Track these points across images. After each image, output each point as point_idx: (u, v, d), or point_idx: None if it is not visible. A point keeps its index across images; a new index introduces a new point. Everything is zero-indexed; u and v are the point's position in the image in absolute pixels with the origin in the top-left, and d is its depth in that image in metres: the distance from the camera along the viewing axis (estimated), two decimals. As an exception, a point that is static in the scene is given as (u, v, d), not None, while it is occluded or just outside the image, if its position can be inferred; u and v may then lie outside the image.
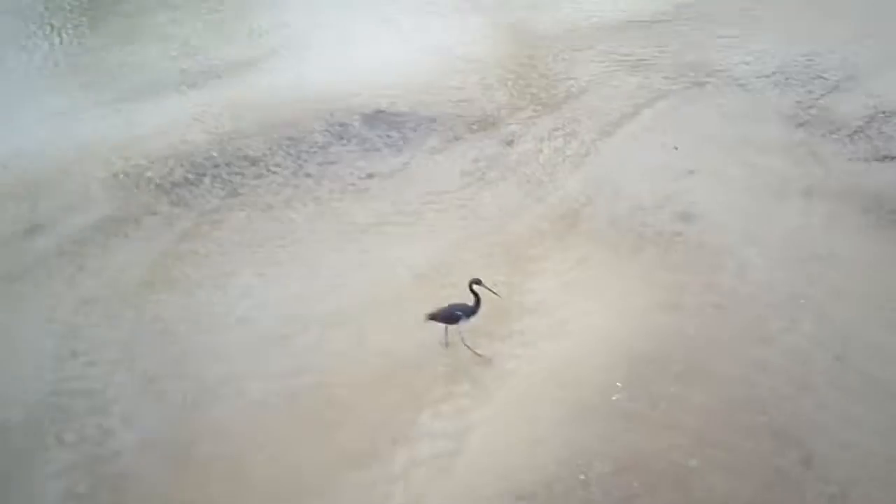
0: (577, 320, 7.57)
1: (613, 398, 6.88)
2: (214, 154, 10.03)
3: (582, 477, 6.29)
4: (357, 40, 12.71)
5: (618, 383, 6.98)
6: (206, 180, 9.63)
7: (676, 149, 9.80)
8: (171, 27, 13.28)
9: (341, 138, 10.28)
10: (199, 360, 7.38)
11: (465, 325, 7.31)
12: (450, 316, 7.33)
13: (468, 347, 7.37)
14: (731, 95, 10.87)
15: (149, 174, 9.74)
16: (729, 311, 7.63)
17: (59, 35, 13.24)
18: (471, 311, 7.30)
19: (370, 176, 9.61)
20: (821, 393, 6.82)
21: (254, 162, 9.90)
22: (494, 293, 7.29)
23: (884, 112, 10.30)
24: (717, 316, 7.58)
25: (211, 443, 6.63)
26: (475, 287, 7.20)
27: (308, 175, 9.72)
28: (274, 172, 9.76)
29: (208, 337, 7.61)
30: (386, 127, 10.45)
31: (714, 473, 6.26)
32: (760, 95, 10.75)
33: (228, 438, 6.67)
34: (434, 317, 7.34)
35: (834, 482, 6.15)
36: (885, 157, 9.47)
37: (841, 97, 10.66)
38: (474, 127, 10.40)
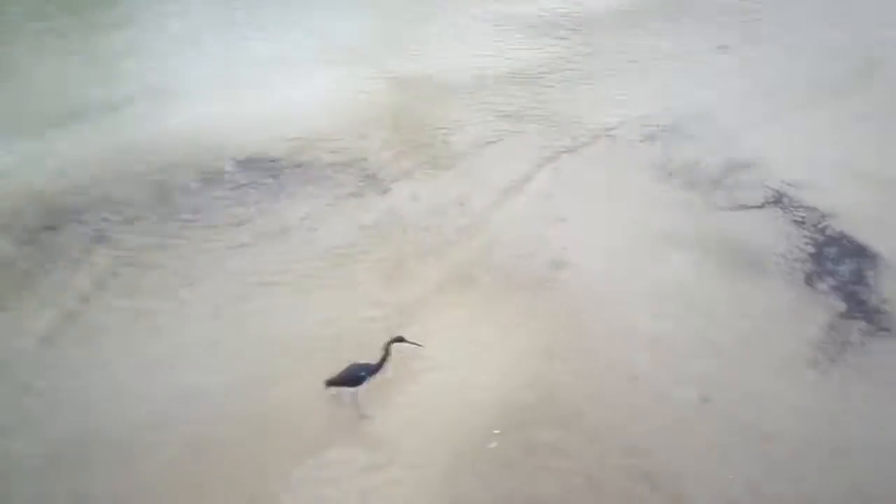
0: (454, 368, 7.57)
1: (491, 446, 6.88)
2: (78, 200, 9.55)
3: (459, 528, 6.25)
4: (238, 85, 12.40)
5: (495, 430, 6.99)
6: (70, 226, 9.15)
7: (550, 197, 10.00)
8: (33, 65, 12.62)
9: (213, 184, 9.98)
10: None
11: (364, 386, 7.07)
12: (351, 380, 7.02)
13: (357, 406, 7.19)
14: (603, 148, 11.20)
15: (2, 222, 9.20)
16: (599, 355, 7.81)
17: None
18: (374, 370, 7.04)
19: (242, 223, 9.35)
20: (690, 435, 7.05)
21: (120, 208, 9.47)
22: (418, 344, 7.11)
23: (739, 162, 10.86)
24: (588, 360, 7.74)
25: None
26: (393, 345, 7.01)
27: (180, 221, 9.37)
28: (143, 219, 9.37)
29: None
30: (261, 172, 10.23)
31: (589, 519, 6.34)
32: (630, 148, 11.13)
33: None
34: (334, 382, 7.04)
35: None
36: (742, 206, 9.98)
37: (702, 149, 11.16)
38: (351, 172, 10.30)
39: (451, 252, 9.08)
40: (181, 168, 10.21)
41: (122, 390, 7.33)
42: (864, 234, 9.48)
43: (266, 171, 10.28)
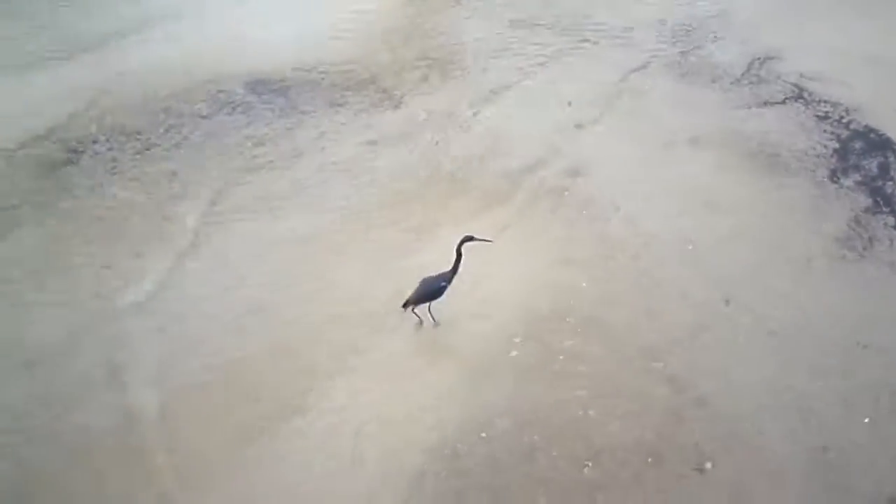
0: (473, 279, 7.48)
1: (512, 354, 6.88)
2: (92, 130, 9.48)
3: (483, 434, 6.28)
4: (236, 6, 12.17)
5: (516, 339, 6.98)
6: (85, 159, 9.10)
7: (570, 104, 9.81)
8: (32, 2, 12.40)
9: (225, 107, 9.88)
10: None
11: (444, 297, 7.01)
12: (432, 293, 6.94)
13: (431, 316, 7.21)
14: (618, 50, 10.94)
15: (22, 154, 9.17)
16: (619, 262, 7.72)
17: None
18: (451, 276, 6.93)
19: (258, 144, 9.27)
20: (712, 336, 6.99)
21: (133, 136, 9.40)
22: (487, 240, 6.93)
23: (759, 58, 10.57)
24: (609, 267, 7.65)
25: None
26: (465, 245, 6.81)
27: (193, 145, 9.30)
28: (157, 145, 9.30)
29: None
30: (271, 94, 10.10)
31: (612, 422, 6.35)
32: (646, 49, 10.83)
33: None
34: (414, 301, 6.95)
35: (728, 419, 6.33)
36: (764, 103, 9.72)
37: (720, 46, 10.91)
38: (361, 90, 10.13)
39: (465, 164, 8.96)
40: (190, 93, 10.07)
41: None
42: (890, 128, 9.21)
43: (277, 92, 10.12)
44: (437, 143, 9.26)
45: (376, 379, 6.74)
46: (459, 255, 6.85)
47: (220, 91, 10.13)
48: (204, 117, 9.70)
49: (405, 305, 7.00)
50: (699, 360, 6.78)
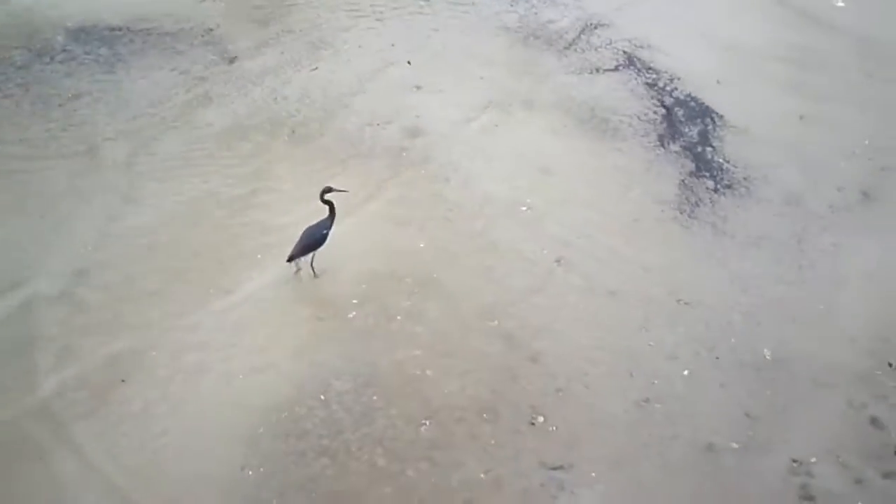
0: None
1: (350, 316, 6.82)
2: None
3: (322, 397, 6.25)
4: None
5: (354, 300, 6.92)
6: None
7: (409, 63, 9.73)
8: None
9: (43, 56, 9.15)
10: None
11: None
12: (315, 241, 6.94)
13: (312, 267, 7.16)
14: (458, 12, 10.92)
15: None
16: (456, 222, 7.79)
17: None
18: (330, 223, 6.99)
19: (77, 96, 8.65)
20: (544, 295, 7.18)
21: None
22: (343, 190, 7.04)
23: (591, 24, 10.88)
24: (446, 228, 7.71)
25: None
26: (326, 196, 6.90)
27: (7, 97, 8.59)
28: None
29: None
30: (96, 43, 9.44)
31: (450, 381, 6.45)
32: (486, 12, 10.88)
33: None
34: (299, 252, 6.92)
35: (560, 375, 6.58)
36: (596, 70, 10.01)
37: (555, 11, 11.09)
38: (194, 42, 9.65)
39: (301, 123, 8.74)
40: (5, 40, 9.27)
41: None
42: (708, 96, 9.74)
43: (101, 41, 9.48)
44: (275, 100, 8.95)
45: (218, 337, 6.61)
46: (328, 203, 6.92)
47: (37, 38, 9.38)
48: (20, 67, 8.96)
49: (290, 259, 6.95)
50: (532, 319, 6.95)
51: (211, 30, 9.96)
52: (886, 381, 6.78)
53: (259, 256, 7.25)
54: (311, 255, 7.04)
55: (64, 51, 9.29)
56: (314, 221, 6.98)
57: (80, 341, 6.45)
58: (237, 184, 7.93)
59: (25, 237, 7.18)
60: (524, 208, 8.00)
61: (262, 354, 6.52)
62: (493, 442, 6.09)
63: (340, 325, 6.76)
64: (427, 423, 6.16)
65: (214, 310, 6.81)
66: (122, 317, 6.67)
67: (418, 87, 9.40)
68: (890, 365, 6.92)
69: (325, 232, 6.97)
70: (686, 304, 7.22)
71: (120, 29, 9.76)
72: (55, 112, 8.47)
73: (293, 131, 8.59)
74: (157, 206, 7.63)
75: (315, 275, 7.17)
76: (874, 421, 6.47)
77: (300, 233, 6.94)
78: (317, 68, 9.47)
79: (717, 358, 6.80)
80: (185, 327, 6.65)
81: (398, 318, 6.84)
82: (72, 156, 8.02)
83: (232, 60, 9.46)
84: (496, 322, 6.88)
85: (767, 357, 6.87)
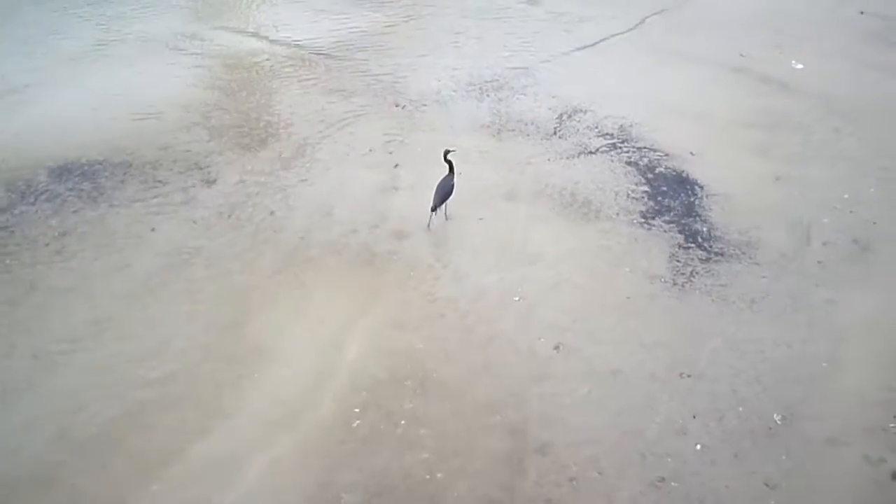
0: (308, 351, 7.34)
1: (354, 425, 6.72)
2: None
3: (332, 513, 6.09)
4: (20, 91, 11.63)
5: (356, 409, 6.84)
6: None
7: (397, 166, 9.91)
8: None
9: (27, 196, 9.25)
10: None
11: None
12: (449, 189, 8.73)
13: (445, 213, 9.02)
14: (433, 111, 11.22)
15: None
16: (451, 320, 7.76)
17: None
18: (452, 178, 8.78)
19: (63, 234, 8.71)
20: (547, 384, 7.12)
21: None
22: (453, 150, 8.87)
23: (567, 112, 11.25)
24: (441, 326, 7.68)
25: None
26: (449, 157, 8.73)
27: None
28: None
29: None
30: (78, 179, 9.57)
31: (460, 481, 6.30)
32: (459, 107, 11.16)
33: None
34: (439, 202, 8.70)
35: (571, 464, 6.43)
36: (576, 154, 10.22)
37: (528, 102, 11.47)
38: (174, 169, 9.79)
39: (287, 235, 8.79)
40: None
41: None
42: (687, 168, 9.98)
43: (83, 176, 9.60)
44: (259, 218, 9.03)
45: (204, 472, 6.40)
46: (449, 162, 8.74)
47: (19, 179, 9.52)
48: (3, 210, 9.04)
49: (433, 209, 8.72)
50: (537, 410, 6.86)
51: (189, 153, 10.12)
52: (900, 432, 6.73)
53: (256, 375, 7.16)
54: (444, 204, 8.80)
55: (47, 190, 9.37)
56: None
57: None
58: (225, 311, 7.89)
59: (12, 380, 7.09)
60: (517, 298, 8.01)
61: (263, 480, 6.31)
62: (508, 540, 5.95)
63: (345, 436, 6.63)
64: (441, 528, 6.02)
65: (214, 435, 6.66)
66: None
67: (395, 189, 9.57)
68: (902, 416, 6.87)
69: (452, 183, 8.72)
70: (689, 376, 7.17)
71: (101, 163, 9.89)
72: (41, 251, 8.48)
73: (279, 250, 8.61)
74: (148, 337, 7.57)
75: (447, 218, 8.98)
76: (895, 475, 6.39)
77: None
78: (298, 184, 9.59)
79: (728, 429, 6.70)
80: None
81: (402, 422, 6.73)
82: (61, 293, 7.99)
83: (212, 182, 9.56)
84: (500, 416, 6.78)
85: (777, 421, 6.80)
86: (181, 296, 7.98)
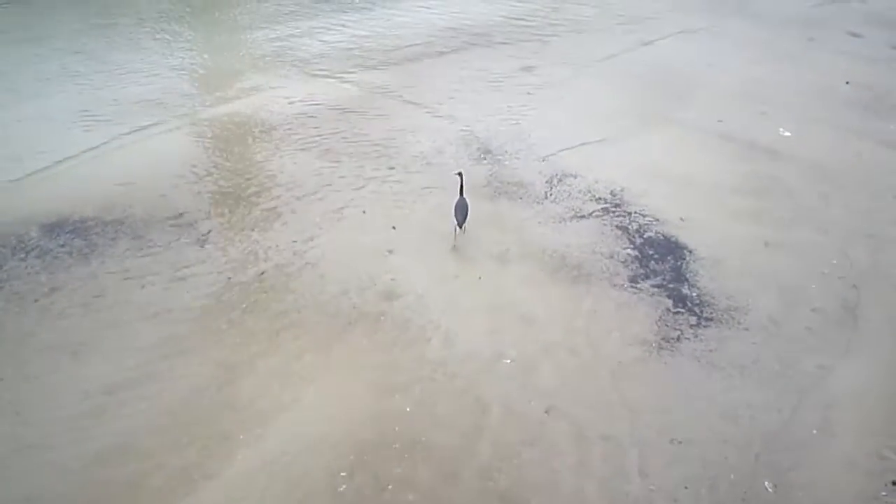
0: (294, 414, 7.25)
1: (340, 490, 6.62)
2: None
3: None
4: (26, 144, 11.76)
5: (342, 473, 6.74)
6: None
7: (394, 228, 9.97)
8: None
9: (17, 253, 9.24)
10: None
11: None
12: (466, 205, 9.49)
13: (463, 230, 9.71)
14: (426, 176, 11.33)
15: None
16: (441, 382, 7.70)
17: None
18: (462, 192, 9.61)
19: (53, 290, 8.68)
20: (538, 448, 7.04)
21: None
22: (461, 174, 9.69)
23: (557, 175, 11.42)
24: (431, 389, 7.61)
25: None
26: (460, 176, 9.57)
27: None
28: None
29: None
30: (69, 235, 9.57)
31: (449, 549, 6.20)
32: (448, 172, 11.29)
33: None
34: (463, 219, 9.42)
35: (562, 531, 6.35)
36: (567, 218, 10.31)
37: (520, 165, 11.65)
38: (165, 227, 9.81)
39: (276, 299, 8.75)
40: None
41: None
42: (676, 233, 10.07)
43: (74, 232, 9.61)
44: (249, 278, 9.02)
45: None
46: (460, 176, 9.58)
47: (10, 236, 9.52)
48: (-7, 265, 9.04)
49: (460, 226, 9.49)
50: (528, 475, 6.78)
51: (179, 212, 10.15)
52: (892, 500, 6.66)
53: (242, 437, 7.08)
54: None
55: (38, 246, 9.36)
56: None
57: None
58: (212, 365, 7.83)
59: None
60: (507, 361, 7.98)
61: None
62: None
63: (331, 500, 6.53)
64: None
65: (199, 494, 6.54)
66: None
67: (389, 252, 9.56)
68: (894, 483, 6.81)
69: (467, 202, 9.49)
70: (679, 442, 7.12)
71: (92, 219, 9.91)
72: (31, 307, 8.44)
73: (268, 311, 8.57)
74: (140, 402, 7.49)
75: (463, 231, 9.74)
76: (889, 545, 6.33)
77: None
78: (288, 246, 9.61)
79: (719, 498, 6.63)
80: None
81: (389, 486, 6.63)
82: (47, 350, 7.92)
83: (203, 242, 9.57)
84: (491, 482, 6.70)
85: (769, 490, 6.73)
86: (170, 357, 7.91)
